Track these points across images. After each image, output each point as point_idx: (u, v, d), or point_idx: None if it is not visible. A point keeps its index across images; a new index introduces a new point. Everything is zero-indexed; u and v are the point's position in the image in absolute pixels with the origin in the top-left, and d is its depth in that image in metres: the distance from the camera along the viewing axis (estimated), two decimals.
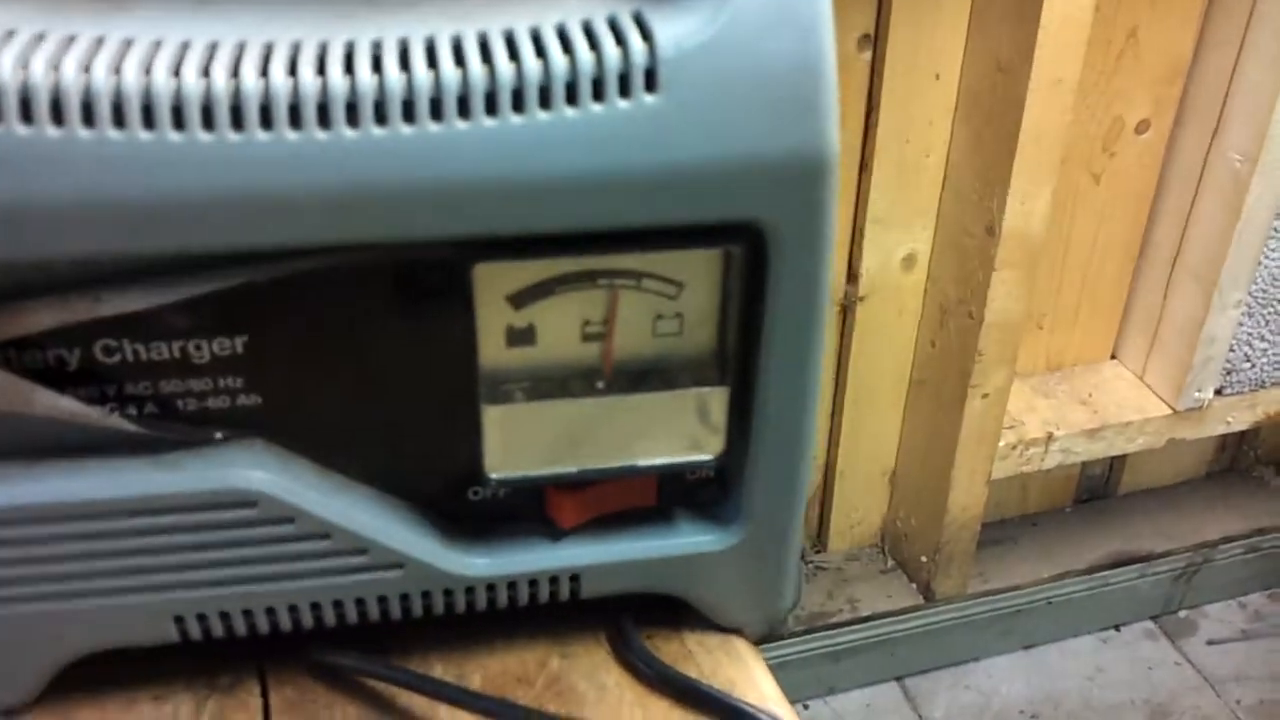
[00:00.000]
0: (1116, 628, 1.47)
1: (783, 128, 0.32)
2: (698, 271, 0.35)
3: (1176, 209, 1.27)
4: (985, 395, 1.21)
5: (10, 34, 0.29)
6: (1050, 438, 1.30)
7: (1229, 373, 1.34)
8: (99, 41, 0.29)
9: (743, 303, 0.35)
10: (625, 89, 0.31)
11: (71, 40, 0.29)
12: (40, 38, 0.29)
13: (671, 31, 0.31)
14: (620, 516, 0.39)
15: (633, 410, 0.37)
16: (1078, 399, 1.36)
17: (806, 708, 1.35)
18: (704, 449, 0.38)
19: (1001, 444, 1.28)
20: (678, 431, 0.37)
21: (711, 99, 0.31)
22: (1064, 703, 1.38)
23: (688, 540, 0.39)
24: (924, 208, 1.14)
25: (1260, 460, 1.58)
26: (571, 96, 0.31)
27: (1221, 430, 1.39)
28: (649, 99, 0.31)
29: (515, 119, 0.30)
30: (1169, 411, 1.33)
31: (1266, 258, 1.27)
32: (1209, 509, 1.52)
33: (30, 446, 0.34)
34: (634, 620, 0.41)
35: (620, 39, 0.31)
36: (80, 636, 0.36)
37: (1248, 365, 1.34)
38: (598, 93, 0.31)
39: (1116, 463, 1.49)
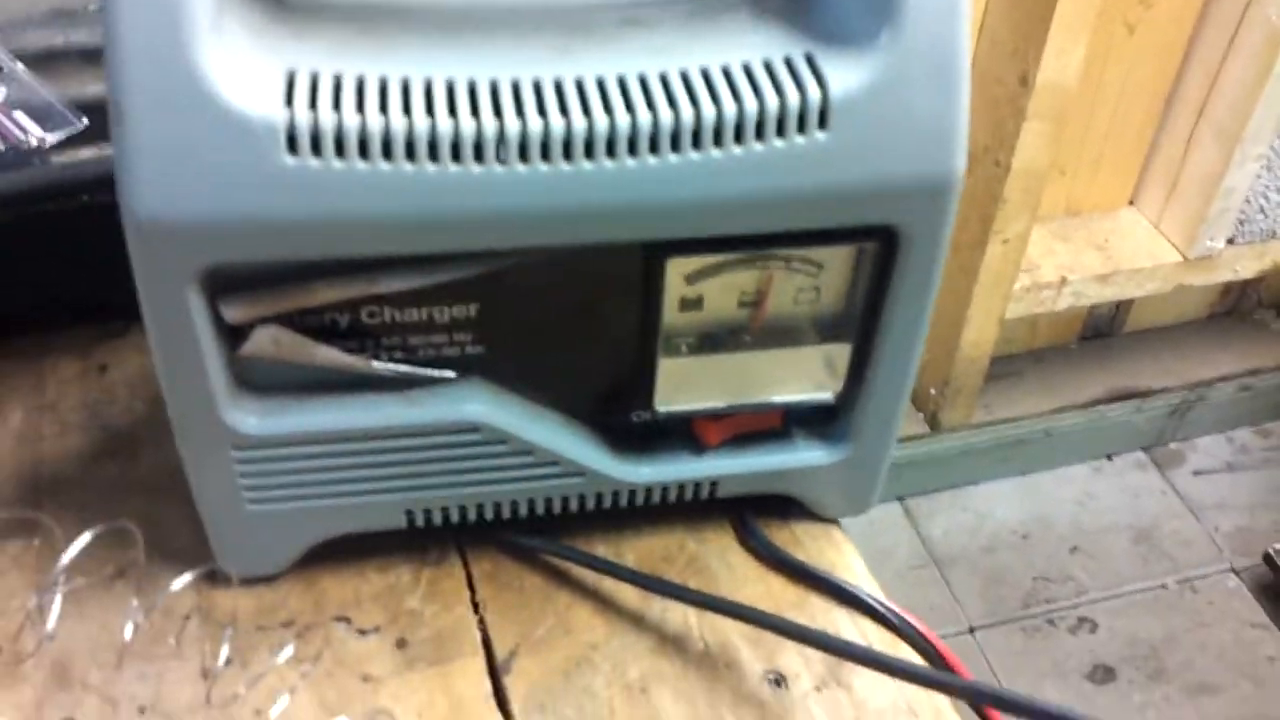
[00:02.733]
0: (1109, 457, 1.54)
1: (924, 155, 0.39)
2: (836, 258, 0.43)
3: (1207, 62, 1.27)
4: (1005, 241, 1.24)
5: (316, 75, 0.36)
6: (1064, 281, 1.34)
7: (1242, 223, 1.37)
8: (384, 84, 0.36)
9: (870, 281, 0.43)
10: (802, 126, 0.38)
11: (362, 83, 0.36)
12: (338, 80, 0.36)
13: (840, 75, 0.38)
14: (751, 435, 0.48)
15: (772, 360, 0.45)
16: (1093, 244, 1.38)
17: None
18: (825, 390, 0.46)
19: (1016, 286, 1.31)
20: (806, 377, 0.46)
21: (870, 133, 0.38)
22: (1054, 525, 1.46)
23: (804, 455, 0.48)
24: None
25: (1262, 304, 1.61)
26: (760, 134, 0.38)
27: (1228, 278, 1.42)
28: (820, 135, 0.38)
29: (715, 152, 0.37)
30: (1180, 259, 1.36)
31: None
32: (1209, 349, 1.56)
33: (308, 384, 0.42)
34: (754, 513, 0.51)
35: (798, 82, 0.38)
36: (332, 524, 0.46)
37: (1261, 216, 1.37)
38: (780, 130, 0.38)
39: (1123, 303, 1.52)
